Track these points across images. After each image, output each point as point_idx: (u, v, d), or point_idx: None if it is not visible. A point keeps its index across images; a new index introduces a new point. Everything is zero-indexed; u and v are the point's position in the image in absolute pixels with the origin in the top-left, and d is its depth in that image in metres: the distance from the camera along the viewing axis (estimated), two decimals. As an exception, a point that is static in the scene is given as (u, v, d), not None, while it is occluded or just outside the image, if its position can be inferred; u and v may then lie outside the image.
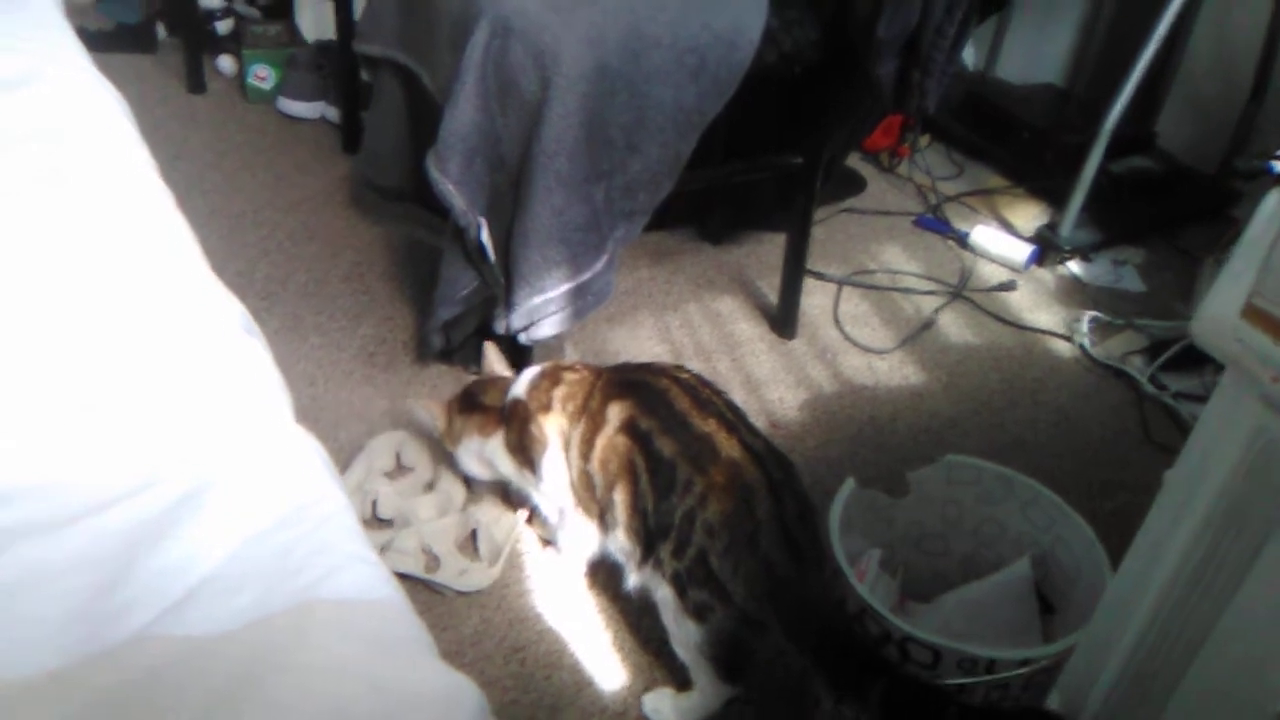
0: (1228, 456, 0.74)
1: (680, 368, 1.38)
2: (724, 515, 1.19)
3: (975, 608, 1.34)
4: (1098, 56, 2.75)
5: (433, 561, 1.50)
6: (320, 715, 0.68)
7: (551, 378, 1.41)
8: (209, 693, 0.68)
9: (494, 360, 1.58)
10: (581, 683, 1.38)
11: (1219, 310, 0.69)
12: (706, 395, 1.31)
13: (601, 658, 1.41)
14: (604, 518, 1.35)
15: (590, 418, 1.34)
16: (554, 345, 1.80)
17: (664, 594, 1.27)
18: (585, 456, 1.34)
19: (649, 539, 1.28)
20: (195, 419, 0.90)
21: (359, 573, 0.79)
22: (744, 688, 1.31)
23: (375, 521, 1.55)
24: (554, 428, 1.38)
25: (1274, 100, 2.39)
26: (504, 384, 1.49)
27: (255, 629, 0.72)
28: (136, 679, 0.68)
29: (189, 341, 0.99)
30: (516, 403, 1.43)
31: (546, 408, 1.39)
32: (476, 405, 1.50)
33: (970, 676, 1.14)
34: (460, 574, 1.47)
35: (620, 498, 1.29)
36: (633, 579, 1.33)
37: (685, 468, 1.22)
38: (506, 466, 1.47)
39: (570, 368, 1.43)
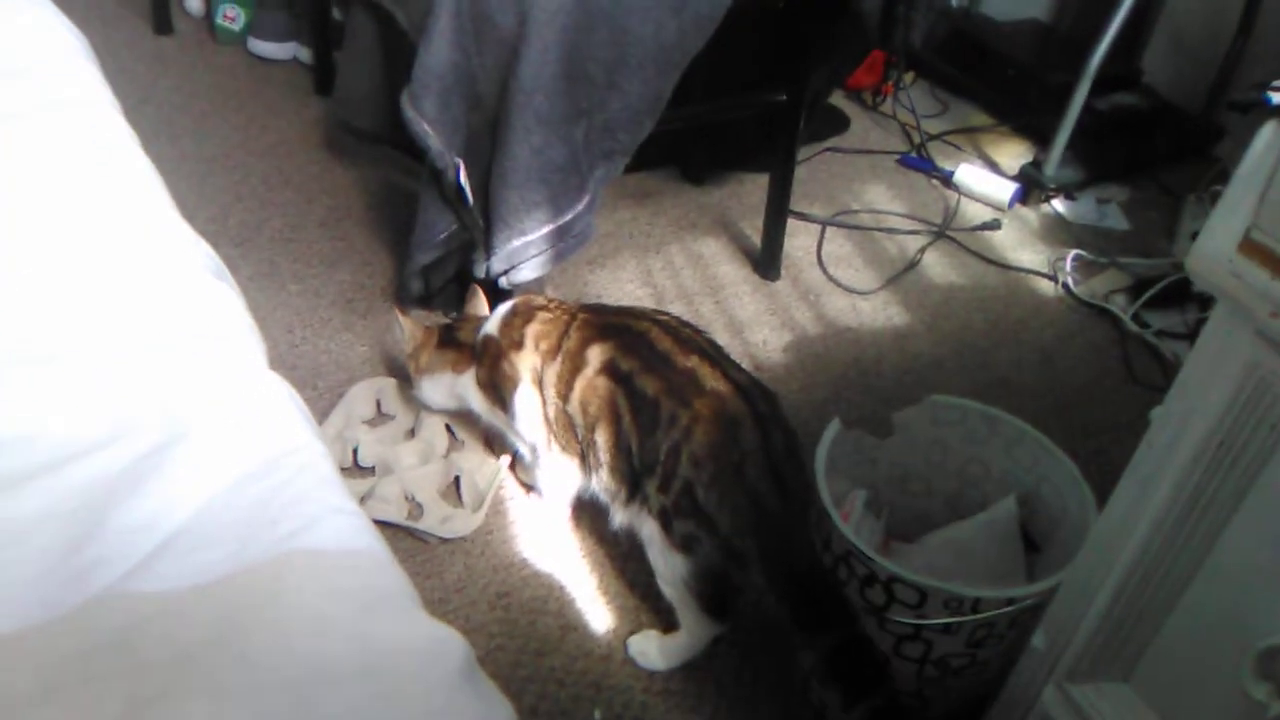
0: (1220, 393, 0.73)
1: (659, 311, 1.37)
2: (709, 446, 1.19)
3: (960, 547, 1.34)
4: (1084, -9, 2.71)
5: (415, 509, 1.49)
6: (301, 671, 0.66)
7: (524, 315, 1.39)
8: (183, 649, 0.66)
9: (480, 304, 1.56)
10: (567, 627, 1.38)
11: (1215, 245, 0.68)
12: (687, 334, 1.30)
13: (587, 602, 1.41)
14: (586, 459, 1.34)
15: (568, 357, 1.32)
16: (535, 288, 1.78)
17: (650, 530, 1.27)
18: (564, 396, 1.33)
19: (634, 478, 1.28)
20: (165, 368, 0.88)
21: (338, 523, 0.77)
22: (729, 627, 1.31)
23: (356, 469, 1.54)
24: (526, 365, 1.37)
25: (1260, 37, 2.36)
26: (480, 323, 1.48)
27: (231, 583, 0.70)
28: (107, 638, 0.67)
29: (157, 287, 0.96)
30: (488, 339, 1.42)
31: (518, 345, 1.37)
32: (453, 341, 1.50)
33: (956, 615, 1.14)
34: (443, 521, 1.46)
35: (603, 439, 1.29)
36: (618, 518, 1.33)
37: (669, 403, 1.22)
38: (478, 403, 1.47)
39: (544, 305, 1.41)
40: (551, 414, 1.36)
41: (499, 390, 1.41)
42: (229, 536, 0.74)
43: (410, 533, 1.46)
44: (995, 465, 1.38)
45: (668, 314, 1.35)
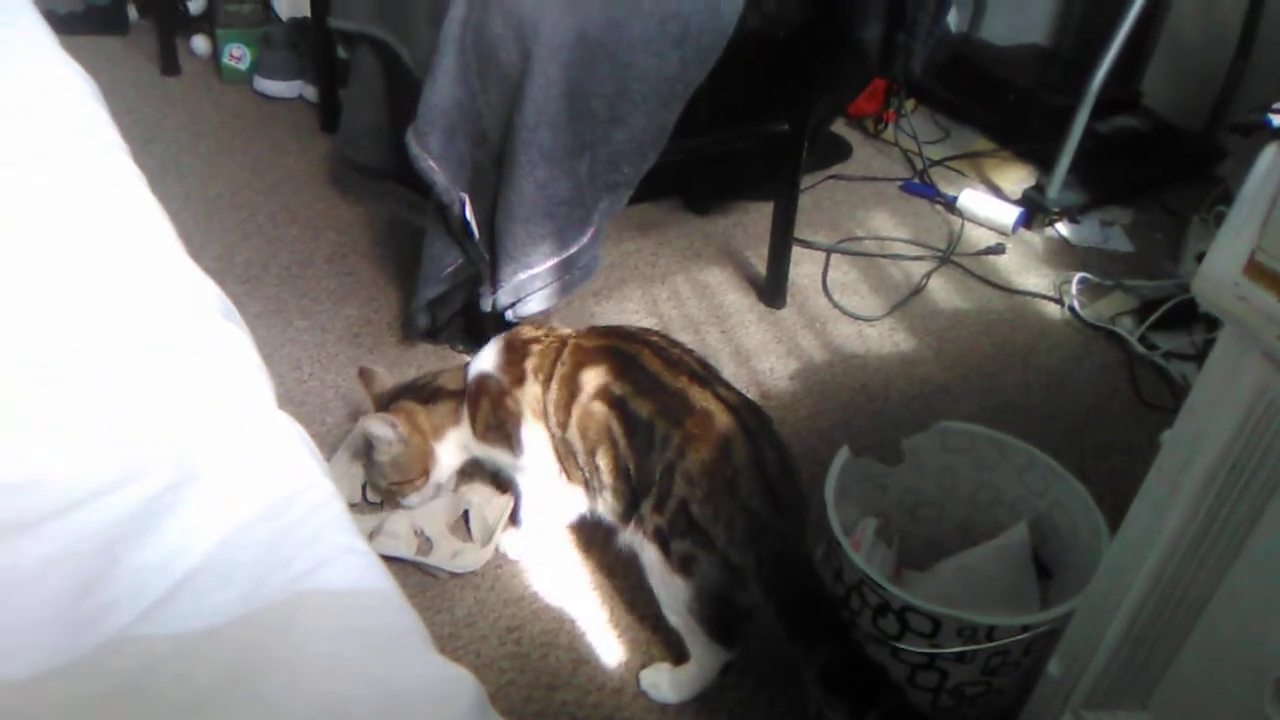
0: (1229, 416, 0.73)
1: (649, 330, 1.38)
2: (702, 463, 1.20)
3: (973, 574, 1.34)
4: (1082, 15, 2.73)
5: (424, 544, 1.49)
6: (313, 712, 0.66)
7: (520, 349, 1.39)
8: (196, 693, 0.66)
9: (380, 379, 1.51)
10: (578, 660, 1.37)
11: (1220, 267, 0.68)
12: (676, 355, 1.32)
13: (598, 635, 1.40)
14: (589, 483, 1.34)
15: (563, 384, 1.33)
16: (541, 321, 1.78)
17: (649, 555, 1.27)
18: (563, 425, 1.33)
19: (634, 499, 1.28)
20: (174, 409, 0.88)
21: (349, 563, 0.76)
22: (739, 653, 1.30)
23: (365, 505, 1.54)
24: (529, 398, 1.36)
25: (1260, 57, 2.37)
26: (455, 369, 1.46)
27: (243, 625, 0.70)
28: (120, 681, 0.66)
29: (165, 329, 0.96)
30: (485, 378, 1.40)
31: (520, 380, 1.37)
32: (440, 393, 1.44)
33: (971, 644, 1.13)
34: (453, 556, 1.46)
35: (603, 462, 1.30)
36: (622, 538, 1.33)
37: (662, 424, 1.23)
38: (475, 447, 1.44)
39: (535, 337, 1.40)
40: (554, 443, 1.36)
41: (504, 428, 1.39)
42: (241, 577, 0.74)
43: (420, 568, 1.45)
44: (1006, 491, 1.37)
45: (658, 333, 1.37)
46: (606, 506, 1.34)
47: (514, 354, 1.39)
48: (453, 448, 1.45)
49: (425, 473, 1.43)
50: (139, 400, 0.88)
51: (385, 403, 1.46)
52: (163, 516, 0.77)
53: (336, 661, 0.69)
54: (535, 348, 1.38)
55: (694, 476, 1.20)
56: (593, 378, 1.30)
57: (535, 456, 1.39)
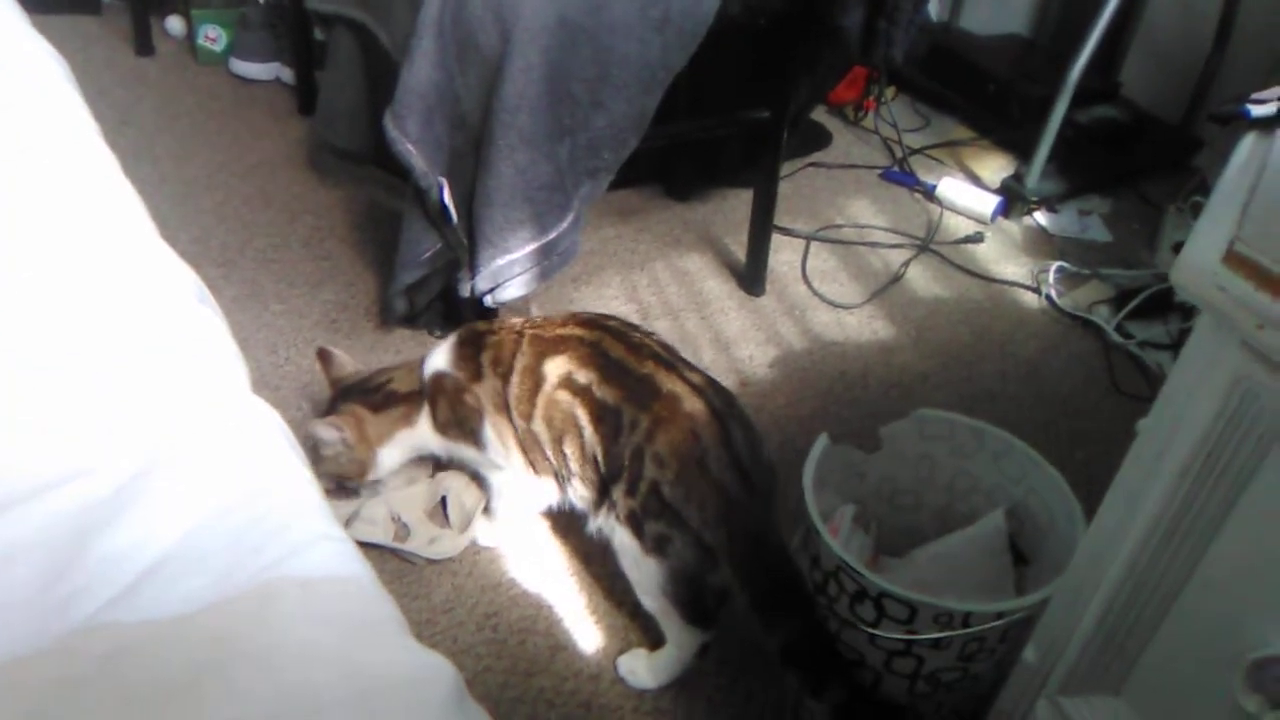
0: (1205, 405, 0.73)
1: (606, 315, 1.38)
2: (671, 444, 1.21)
3: (949, 561, 1.34)
4: (1062, 6, 2.74)
5: (402, 530, 1.48)
6: (288, 701, 0.65)
7: (475, 344, 1.39)
8: (167, 680, 0.65)
9: (340, 363, 1.51)
10: (556, 647, 1.37)
11: (1199, 257, 0.68)
12: (638, 339, 1.32)
13: (575, 621, 1.40)
14: (558, 473, 1.35)
15: (525, 375, 1.33)
16: (520, 307, 1.78)
17: (621, 538, 1.27)
18: (527, 416, 1.33)
19: (602, 485, 1.29)
20: (147, 394, 0.86)
21: (324, 550, 0.76)
22: (714, 635, 1.31)
23: (341, 491, 1.53)
24: (488, 392, 1.36)
25: (1237, 49, 2.38)
26: (408, 367, 1.46)
27: (215, 612, 0.69)
28: (91, 668, 0.65)
29: (138, 313, 0.94)
30: (441, 376, 1.40)
31: (477, 375, 1.37)
32: (392, 397, 1.43)
33: (946, 630, 1.14)
34: (430, 542, 1.45)
35: (571, 450, 1.31)
36: (593, 524, 1.34)
37: (630, 410, 1.24)
38: (437, 443, 1.44)
39: (487, 330, 1.40)
40: (519, 435, 1.35)
41: (465, 425, 1.39)
42: (213, 564, 0.73)
43: (397, 554, 1.45)
44: (983, 478, 1.38)
45: (614, 318, 1.37)
46: (576, 494, 1.34)
47: (468, 349, 1.39)
48: (398, 450, 1.45)
49: (361, 474, 1.44)
50: (110, 386, 0.87)
51: (338, 396, 1.46)
52: (133, 503, 0.75)
53: (310, 649, 0.68)
54: (490, 340, 1.38)
55: (664, 458, 1.21)
56: (556, 367, 1.31)
57: (499, 451, 1.38)
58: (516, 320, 1.41)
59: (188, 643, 0.68)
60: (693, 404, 1.23)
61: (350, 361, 1.52)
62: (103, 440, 0.82)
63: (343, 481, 1.46)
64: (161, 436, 0.82)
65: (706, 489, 1.20)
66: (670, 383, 1.25)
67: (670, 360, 1.30)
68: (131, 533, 0.74)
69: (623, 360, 1.28)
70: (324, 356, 1.52)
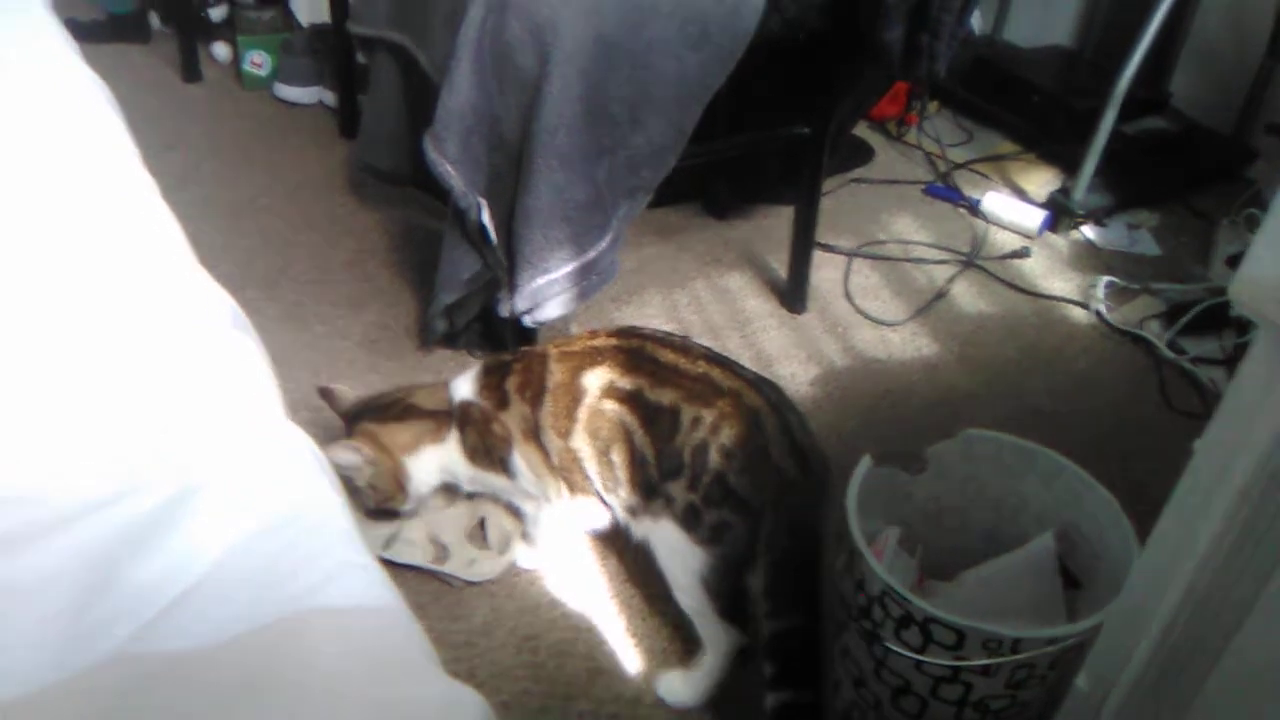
0: (1268, 424, 0.70)
1: (634, 327, 1.41)
2: (737, 437, 1.25)
3: (997, 585, 1.31)
4: (1107, 16, 2.69)
5: (441, 552, 1.47)
6: None
7: (499, 372, 1.39)
8: (196, 712, 0.64)
9: (344, 394, 1.50)
10: (595, 670, 1.35)
11: (1260, 271, 0.65)
12: (681, 342, 1.36)
13: (615, 643, 1.39)
14: (603, 484, 1.34)
15: (561, 393, 1.33)
16: (559, 327, 1.77)
17: (668, 533, 1.28)
18: (565, 434, 1.33)
19: (650, 487, 1.30)
20: (179, 420, 0.86)
21: (355, 579, 0.74)
22: (746, 640, 1.31)
23: (382, 512, 1.52)
24: (515, 419, 1.36)
25: (1291, 56, 2.33)
26: (431, 387, 1.46)
27: (244, 642, 0.68)
28: (118, 700, 0.64)
29: (172, 338, 0.94)
30: (467, 406, 1.40)
31: (504, 403, 1.37)
32: (412, 410, 1.43)
33: (995, 656, 1.10)
34: (469, 564, 1.45)
35: (619, 458, 1.31)
36: (636, 529, 1.34)
37: (691, 408, 1.27)
38: (465, 469, 1.43)
39: (512, 358, 1.40)
40: (555, 458, 1.34)
41: (493, 453, 1.39)
42: (242, 594, 0.72)
43: (436, 576, 1.44)
44: (1033, 499, 1.35)
45: (642, 327, 1.40)
46: (622, 502, 1.33)
47: (492, 377, 1.39)
48: (428, 465, 1.43)
49: (400, 490, 1.42)
50: (142, 412, 0.86)
51: (350, 422, 1.46)
52: (164, 531, 0.75)
53: (339, 682, 0.67)
54: (515, 366, 1.38)
55: (731, 450, 1.25)
56: (596, 378, 1.31)
57: (529, 479, 1.38)
58: (537, 348, 1.41)
59: (214, 675, 0.67)
60: (752, 399, 1.28)
61: (351, 392, 1.51)
62: (132, 467, 0.81)
63: (385, 505, 1.44)
64: (191, 464, 0.81)
65: (768, 473, 1.25)
66: (728, 380, 1.29)
67: (721, 360, 1.33)
68: (161, 562, 0.73)
69: (676, 364, 1.31)
70: (326, 394, 1.51)
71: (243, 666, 0.67)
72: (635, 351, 1.32)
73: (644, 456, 1.29)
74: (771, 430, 1.26)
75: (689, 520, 1.26)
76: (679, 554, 1.28)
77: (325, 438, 1.56)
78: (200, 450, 0.83)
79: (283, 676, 0.66)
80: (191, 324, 0.97)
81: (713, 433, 1.25)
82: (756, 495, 1.24)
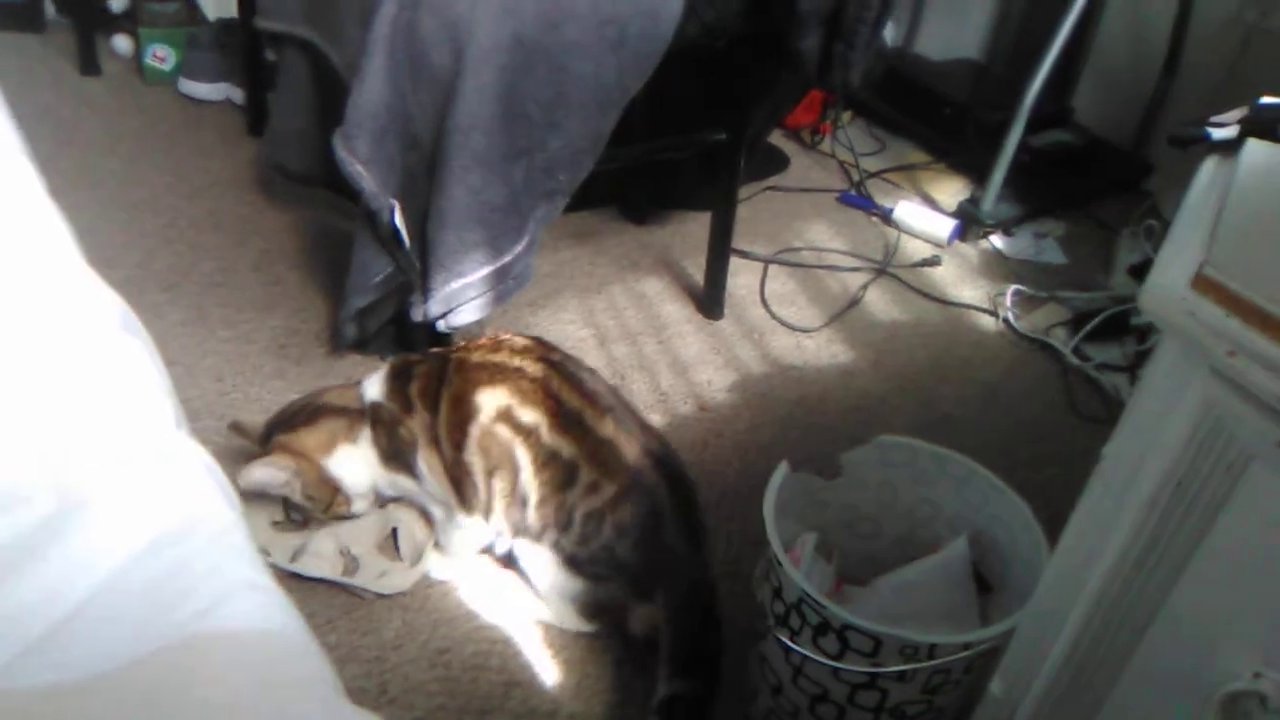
0: (1175, 431, 0.71)
1: (545, 344, 1.37)
2: (634, 517, 1.27)
3: (913, 590, 1.32)
4: (1015, 32, 2.76)
5: (351, 564, 1.43)
6: None
7: (404, 375, 1.38)
8: None
9: (254, 424, 1.46)
10: (510, 683, 1.33)
11: (1167, 281, 0.67)
12: (589, 384, 1.33)
13: (530, 656, 1.36)
14: (486, 504, 1.34)
15: (453, 405, 1.31)
16: (474, 332, 1.74)
17: (546, 563, 1.31)
18: (459, 445, 1.31)
19: (523, 524, 1.31)
20: (59, 432, 0.80)
21: (252, 600, 0.69)
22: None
23: (289, 523, 1.48)
24: (419, 424, 1.35)
25: (1186, 74, 2.42)
26: (340, 388, 1.44)
27: (132, 670, 0.62)
28: None
29: (53, 342, 0.87)
30: (378, 407, 1.39)
31: (408, 408, 1.35)
32: (322, 410, 1.40)
33: (912, 662, 1.11)
34: (380, 576, 1.41)
35: (500, 485, 1.30)
36: (507, 547, 1.37)
37: (590, 471, 1.27)
38: (382, 475, 1.41)
39: (418, 359, 1.40)
40: (448, 465, 1.34)
41: (402, 456, 1.37)
42: (129, 617, 0.66)
43: (345, 589, 1.40)
44: (945, 505, 1.36)
45: (554, 348, 1.37)
46: (499, 523, 1.34)
47: (398, 380, 1.38)
48: (347, 463, 1.39)
49: (338, 491, 1.40)
50: (18, 422, 0.80)
51: (264, 442, 1.42)
52: (42, 549, 0.69)
53: (233, 715, 0.63)
54: (418, 370, 1.37)
55: (625, 527, 1.26)
56: (492, 399, 1.29)
57: (433, 484, 1.37)
58: (442, 349, 1.40)
59: (102, 705, 0.61)
60: (652, 478, 1.28)
61: (260, 420, 1.46)
62: (12, 480, 0.75)
63: (336, 512, 1.41)
64: (77, 476, 0.75)
65: (660, 551, 1.27)
66: (630, 448, 1.28)
67: (622, 414, 1.32)
68: (40, 582, 0.67)
69: (580, 413, 1.29)
70: (237, 429, 1.47)
71: (125, 701, 0.61)
72: (539, 381, 1.30)
73: (526, 496, 1.29)
74: (669, 511, 1.28)
75: (571, 563, 1.29)
76: (555, 581, 1.32)
77: (233, 450, 1.51)
78: (82, 462, 0.77)
79: (174, 705, 0.62)
80: (76, 327, 0.90)
81: (611, 508, 1.26)
82: (645, 571, 1.27)
